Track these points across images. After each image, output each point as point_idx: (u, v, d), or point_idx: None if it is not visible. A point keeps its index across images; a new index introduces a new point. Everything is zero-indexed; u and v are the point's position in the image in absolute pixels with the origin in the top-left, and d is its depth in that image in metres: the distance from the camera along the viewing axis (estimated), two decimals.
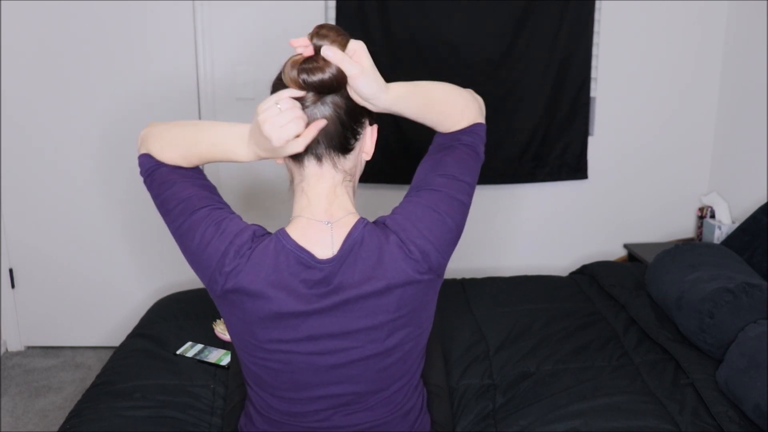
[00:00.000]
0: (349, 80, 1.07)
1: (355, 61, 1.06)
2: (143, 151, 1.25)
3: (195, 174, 1.23)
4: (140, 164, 1.25)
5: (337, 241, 1.14)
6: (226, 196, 2.91)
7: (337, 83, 1.07)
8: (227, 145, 1.16)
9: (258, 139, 1.09)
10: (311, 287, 1.12)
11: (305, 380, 1.18)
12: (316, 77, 1.06)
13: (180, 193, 1.18)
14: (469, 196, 1.21)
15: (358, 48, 1.07)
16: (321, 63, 1.06)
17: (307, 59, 1.07)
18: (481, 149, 1.25)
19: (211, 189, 1.22)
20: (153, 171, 1.22)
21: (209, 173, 2.88)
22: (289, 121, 1.04)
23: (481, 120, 1.27)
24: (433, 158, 1.22)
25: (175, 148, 1.20)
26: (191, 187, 1.19)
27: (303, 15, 2.73)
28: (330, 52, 1.04)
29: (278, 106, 1.04)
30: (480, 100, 1.30)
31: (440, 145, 1.24)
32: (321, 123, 1.09)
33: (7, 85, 2.75)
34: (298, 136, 1.06)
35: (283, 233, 1.14)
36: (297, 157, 1.15)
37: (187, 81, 2.78)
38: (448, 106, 1.22)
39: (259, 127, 1.05)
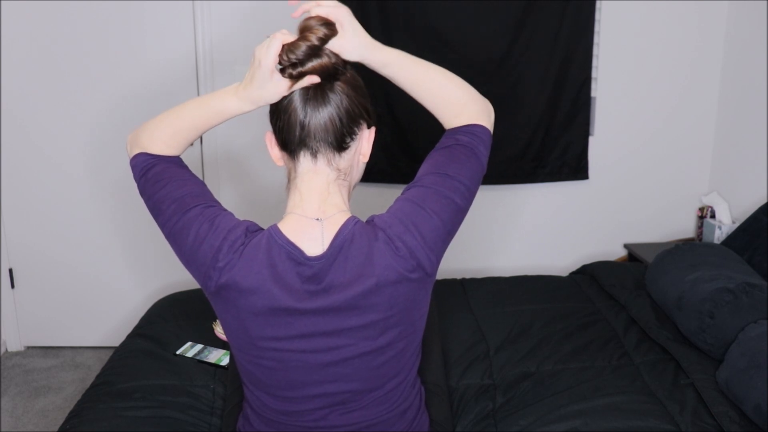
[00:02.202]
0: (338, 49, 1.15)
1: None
2: (135, 152, 1.26)
3: (187, 172, 1.24)
4: (133, 167, 1.26)
5: (327, 238, 1.14)
6: (226, 196, 2.91)
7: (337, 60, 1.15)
8: (215, 100, 1.20)
9: (249, 81, 1.15)
10: (303, 282, 1.13)
11: (299, 379, 1.19)
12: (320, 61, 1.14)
13: (173, 193, 1.19)
14: (463, 197, 1.18)
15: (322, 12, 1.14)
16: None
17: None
18: (482, 152, 1.22)
19: (203, 186, 1.23)
20: (146, 171, 1.22)
21: (210, 174, 2.88)
22: (272, 42, 1.11)
23: (484, 123, 1.24)
24: (431, 157, 1.23)
25: (164, 127, 1.23)
26: (184, 186, 1.20)
27: (303, 15, 2.72)
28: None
29: (267, 38, 1.12)
30: (489, 106, 1.27)
31: (440, 144, 1.24)
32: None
33: (7, 84, 2.75)
34: (290, 77, 1.12)
35: (274, 229, 1.15)
36: (293, 152, 1.17)
37: (186, 80, 2.78)
38: (446, 92, 1.23)
39: (254, 61, 1.12)
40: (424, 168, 1.21)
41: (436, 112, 1.25)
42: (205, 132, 1.26)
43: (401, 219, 1.14)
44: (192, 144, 1.30)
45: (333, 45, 1.14)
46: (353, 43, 1.14)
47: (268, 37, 1.12)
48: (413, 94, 1.23)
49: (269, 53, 1.11)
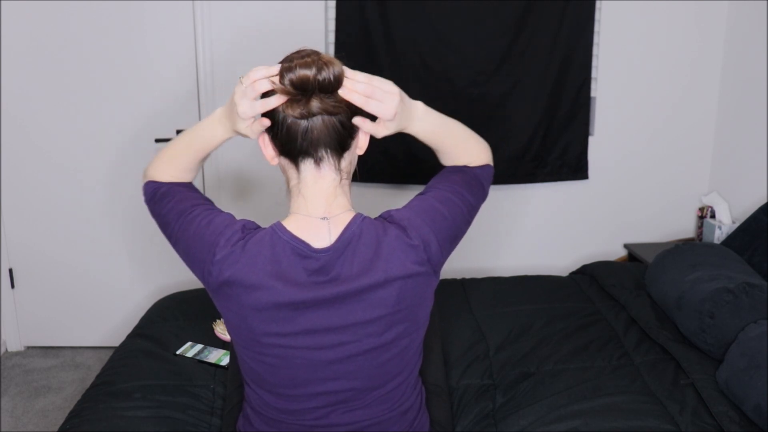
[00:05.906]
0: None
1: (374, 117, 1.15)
2: (146, 181, 1.33)
3: (194, 191, 1.29)
4: (144, 193, 1.32)
5: (334, 233, 1.15)
6: (226, 200, 2.91)
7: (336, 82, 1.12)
8: (206, 131, 1.26)
9: (233, 118, 1.17)
10: (310, 275, 1.13)
11: (303, 376, 1.19)
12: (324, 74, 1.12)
13: (178, 206, 1.24)
14: (470, 210, 1.26)
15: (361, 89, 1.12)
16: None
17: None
18: (487, 186, 1.33)
19: (208, 199, 1.28)
20: (154, 193, 1.29)
21: (209, 175, 2.88)
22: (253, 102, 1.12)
23: (491, 163, 1.37)
24: (444, 175, 1.30)
25: (170, 160, 1.30)
26: (188, 199, 1.25)
27: (303, 15, 2.72)
28: (359, 121, 1.15)
29: (243, 84, 1.12)
30: (489, 148, 1.38)
31: (453, 167, 1.32)
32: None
33: (7, 84, 2.75)
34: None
35: (278, 225, 1.16)
36: (293, 159, 1.16)
37: (187, 80, 2.78)
38: (464, 148, 1.32)
39: (235, 105, 1.13)
40: (438, 180, 1.29)
41: (447, 159, 1.33)
42: (207, 156, 1.31)
43: (418, 213, 1.19)
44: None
45: (367, 128, 1.17)
46: (390, 130, 1.21)
47: (240, 80, 1.13)
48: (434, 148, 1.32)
49: (252, 108, 1.12)
